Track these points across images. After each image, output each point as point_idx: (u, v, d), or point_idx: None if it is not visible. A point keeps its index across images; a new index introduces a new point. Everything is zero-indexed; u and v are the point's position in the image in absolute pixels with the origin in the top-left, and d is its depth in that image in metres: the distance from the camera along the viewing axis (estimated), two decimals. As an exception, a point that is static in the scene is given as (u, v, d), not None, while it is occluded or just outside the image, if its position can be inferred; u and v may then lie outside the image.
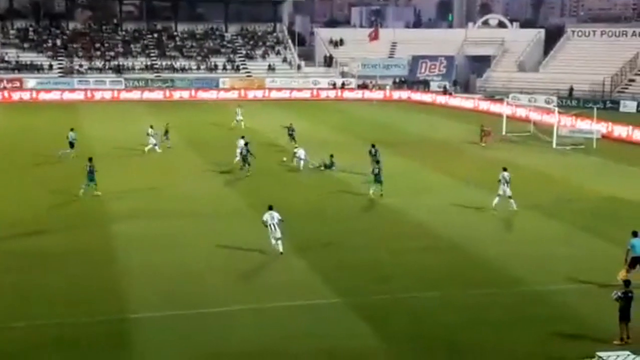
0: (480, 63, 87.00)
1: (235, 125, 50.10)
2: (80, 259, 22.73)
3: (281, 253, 22.99)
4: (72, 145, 39.35)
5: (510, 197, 29.04)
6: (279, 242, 23.10)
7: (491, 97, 71.81)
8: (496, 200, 28.98)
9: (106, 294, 19.87)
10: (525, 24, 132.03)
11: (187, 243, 24.59)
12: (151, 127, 42.42)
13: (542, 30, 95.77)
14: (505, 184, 29.01)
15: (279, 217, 23.23)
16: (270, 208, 23.53)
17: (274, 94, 76.34)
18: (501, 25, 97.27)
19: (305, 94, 76.79)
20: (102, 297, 19.66)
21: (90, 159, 30.79)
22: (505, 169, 29.55)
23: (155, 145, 41.16)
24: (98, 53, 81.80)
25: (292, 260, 22.90)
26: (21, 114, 60.07)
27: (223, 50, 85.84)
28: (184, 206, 29.56)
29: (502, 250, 24.16)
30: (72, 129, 40.44)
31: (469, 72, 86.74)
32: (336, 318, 18.64)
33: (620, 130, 49.08)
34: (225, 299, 19.67)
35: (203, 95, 74.84)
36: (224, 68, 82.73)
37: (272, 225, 23.12)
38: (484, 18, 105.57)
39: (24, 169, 36.97)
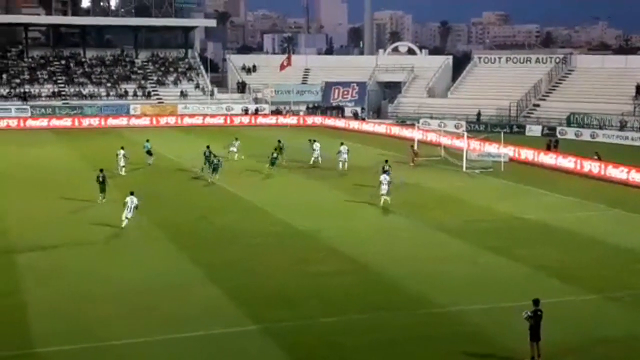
0: (392, 89, 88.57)
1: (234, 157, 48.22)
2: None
3: (122, 228, 28.42)
4: None
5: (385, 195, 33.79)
6: (127, 220, 28.68)
7: (402, 122, 73.11)
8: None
9: (8, 327, 19.07)
10: (433, 51, 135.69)
11: (92, 273, 23.85)
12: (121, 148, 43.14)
13: (450, 57, 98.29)
14: (387, 184, 33.91)
15: (137, 203, 28.73)
16: (132, 193, 29.10)
17: (187, 120, 75.62)
18: (410, 52, 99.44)
19: (219, 120, 76.37)
20: (4, 331, 18.84)
21: None
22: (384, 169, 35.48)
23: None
24: (3, 80, 79.30)
25: (202, 287, 22.52)
26: None
27: (133, 76, 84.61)
28: (94, 234, 28.73)
29: (408, 271, 24.36)
30: None
31: (381, 98, 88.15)
32: (250, 345, 18.36)
33: (527, 154, 50.63)
34: (134, 330, 19.11)
35: (113, 122, 73.42)
36: (135, 94, 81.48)
37: (129, 207, 28.55)
38: (393, 45, 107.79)
39: None
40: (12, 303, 20.89)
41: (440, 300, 21.43)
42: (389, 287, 22.71)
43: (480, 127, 69.63)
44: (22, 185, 39.24)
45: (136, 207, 28.80)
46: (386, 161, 38.97)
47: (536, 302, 17.54)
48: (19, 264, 24.82)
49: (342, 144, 46.96)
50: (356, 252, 26.59)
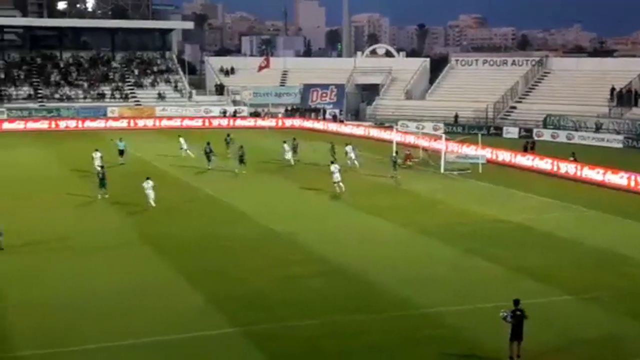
0: (370, 91, 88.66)
1: (185, 155, 49.34)
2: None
3: (153, 206, 32.98)
4: None
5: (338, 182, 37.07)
6: (152, 200, 33.16)
7: (381, 124, 73.25)
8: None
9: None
10: (411, 54, 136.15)
11: (71, 277, 23.72)
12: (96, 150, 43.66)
13: (428, 60, 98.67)
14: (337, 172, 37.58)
15: (152, 184, 33.50)
16: (148, 179, 33.69)
17: (165, 123, 75.25)
18: (388, 54, 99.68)
19: (197, 122, 76.06)
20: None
21: None
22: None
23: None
24: (-23, 82, 78.53)
25: (181, 292, 22.43)
26: None
27: (110, 78, 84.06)
28: (71, 239, 28.53)
29: (388, 274, 24.36)
30: None
31: (359, 100, 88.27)
32: (229, 349, 18.32)
33: (504, 156, 50.93)
34: (112, 333, 18.97)
35: (90, 124, 72.86)
36: (112, 96, 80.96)
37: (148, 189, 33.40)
38: (371, 48, 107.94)
39: None
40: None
41: (420, 302, 21.48)
42: (369, 290, 22.71)
43: (457, 129, 69.96)
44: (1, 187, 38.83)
45: (153, 188, 33.54)
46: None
47: (516, 302, 17.67)
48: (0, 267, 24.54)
49: (347, 144, 48.31)
50: (335, 254, 26.56)
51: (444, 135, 51.60)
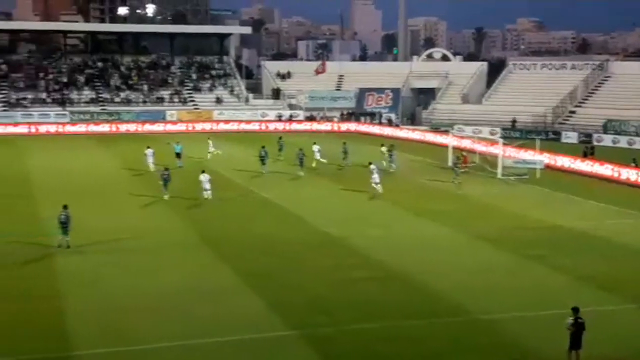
0: (426, 95, 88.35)
1: (211, 157, 50.36)
2: (20, 295, 22.20)
3: (205, 198, 35.39)
4: None
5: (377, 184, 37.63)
6: (209, 192, 35.56)
7: (437, 128, 72.91)
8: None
9: (47, 330, 19.40)
10: (468, 58, 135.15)
11: (130, 277, 24.20)
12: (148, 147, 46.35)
13: (485, 63, 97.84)
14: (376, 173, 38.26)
15: (209, 177, 36.19)
16: (203, 172, 36.60)
17: (222, 126, 76.21)
18: (445, 58, 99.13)
19: (254, 126, 76.83)
20: (43, 334, 19.17)
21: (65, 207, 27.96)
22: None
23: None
24: (42, 83, 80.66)
25: (241, 295, 22.69)
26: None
27: (169, 82, 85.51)
28: (130, 239, 29.12)
29: (445, 279, 24.27)
30: None
31: (415, 105, 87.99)
32: (287, 351, 18.49)
33: (563, 161, 50.21)
34: (171, 334, 19.29)
35: (150, 128, 74.26)
36: (171, 100, 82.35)
37: (205, 183, 35.73)
38: (428, 52, 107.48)
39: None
40: (51, 307, 21.20)
41: (477, 309, 21.36)
42: (426, 296, 22.67)
43: (515, 133, 69.16)
44: (66, 190, 39.78)
45: (209, 181, 35.87)
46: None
47: (575, 310, 17.43)
48: (58, 268, 25.17)
49: (382, 145, 49.16)
50: (392, 259, 26.57)
51: (501, 140, 51.11)
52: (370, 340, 19.16)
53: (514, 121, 74.62)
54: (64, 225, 27.23)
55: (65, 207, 27.62)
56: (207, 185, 36.01)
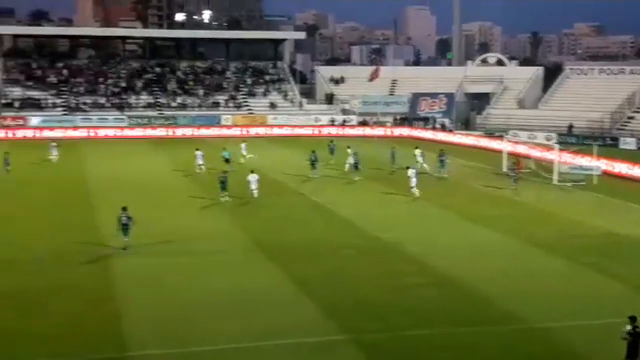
0: (480, 100, 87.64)
1: (245, 160, 50.79)
2: (77, 296, 22.77)
3: (254, 197, 37.32)
4: None
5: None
6: (256, 191, 37.58)
7: (491, 134, 72.26)
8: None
9: (103, 332, 19.83)
10: (523, 62, 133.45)
11: (186, 280, 24.59)
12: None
13: (541, 68, 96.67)
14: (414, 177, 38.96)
15: (257, 177, 37.93)
16: (252, 172, 38.43)
17: (276, 131, 76.84)
18: (500, 63, 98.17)
19: (307, 131, 77.24)
20: (99, 335, 19.61)
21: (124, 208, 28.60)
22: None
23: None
24: (101, 88, 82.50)
25: (293, 298, 22.93)
26: (28, 151, 60.10)
27: (225, 86, 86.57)
28: (186, 241, 29.65)
29: (500, 286, 24.10)
30: None
31: (469, 110, 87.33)
32: (340, 356, 18.63)
33: (621, 167, 49.31)
34: (226, 336, 19.61)
35: (205, 132, 75.29)
36: (226, 105, 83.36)
37: (252, 183, 37.61)
38: (482, 56, 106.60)
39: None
40: (107, 308, 21.68)
41: (532, 316, 21.17)
42: (480, 303, 22.53)
43: (571, 139, 68.12)
44: (123, 192, 40.59)
45: (257, 181, 37.80)
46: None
47: (633, 319, 17.13)
48: (116, 270, 25.73)
49: (416, 147, 49.92)
50: (445, 265, 26.50)
51: (557, 146, 50.44)
52: (422, 347, 19.16)
53: (570, 126, 73.50)
54: (125, 227, 27.92)
55: (124, 208, 28.27)
56: (254, 185, 37.73)
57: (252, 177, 38.12)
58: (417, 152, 48.90)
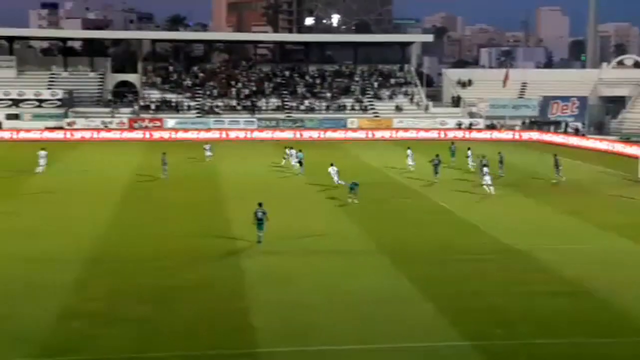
0: (615, 104, 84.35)
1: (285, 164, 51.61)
2: (208, 292, 23.58)
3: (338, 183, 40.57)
4: None
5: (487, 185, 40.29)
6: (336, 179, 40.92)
7: (627, 139, 69.41)
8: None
9: (232, 327, 20.48)
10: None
11: (312, 280, 25.05)
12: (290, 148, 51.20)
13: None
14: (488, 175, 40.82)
15: (337, 169, 41.66)
16: (332, 164, 42.32)
17: (401, 134, 76.87)
18: (637, 65, 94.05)
19: (433, 134, 76.77)
20: (228, 330, 20.27)
21: (260, 204, 29.63)
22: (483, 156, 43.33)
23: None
24: (233, 91, 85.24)
25: (416, 302, 22.95)
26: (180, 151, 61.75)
27: (352, 89, 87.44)
28: (319, 241, 30.22)
29: (632, 297, 23.23)
30: None
31: (603, 113, 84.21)
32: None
33: None
34: (351, 337, 19.88)
35: (332, 135, 76.33)
36: (352, 108, 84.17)
37: (334, 176, 41.47)
38: (618, 58, 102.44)
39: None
40: (236, 304, 22.35)
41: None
42: (613, 313, 21.82)
43: None
44: (253, 191, 41.76)
45: (338, 172, 41.31)
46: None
47: None
48: (245, 267, 26.46)
49: (468, 148, 51.24)
50: (577, 274, 25.77)
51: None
52: (550, 356, 18.81)
53: None
54: (260, 221, 28.93)
55: (260, 204, 29.38)
56: (336, 177, 41.44)
57: (332, 170, 41.80)
58: (501, 154, 49.48)
